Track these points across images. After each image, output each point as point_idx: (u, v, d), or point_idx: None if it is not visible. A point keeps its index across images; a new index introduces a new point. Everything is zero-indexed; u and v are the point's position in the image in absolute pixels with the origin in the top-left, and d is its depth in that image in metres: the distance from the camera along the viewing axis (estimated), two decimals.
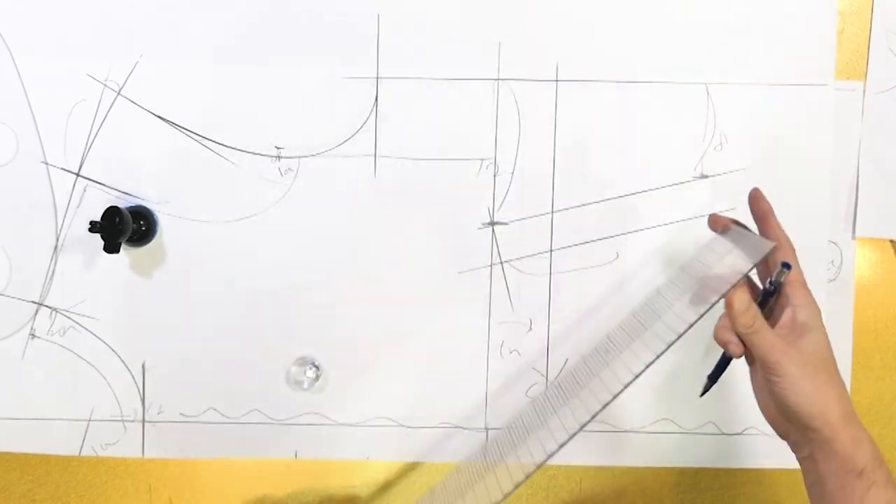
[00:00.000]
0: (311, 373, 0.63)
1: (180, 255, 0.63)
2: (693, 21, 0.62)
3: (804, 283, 0.49)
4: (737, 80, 0.63)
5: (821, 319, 0.48)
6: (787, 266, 0.48)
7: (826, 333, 0.48)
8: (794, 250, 0.50)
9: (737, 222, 0.53)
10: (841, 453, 0.46)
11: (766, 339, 0.47)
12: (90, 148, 0.63)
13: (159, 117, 0.63)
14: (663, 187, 0.63)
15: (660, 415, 0.64)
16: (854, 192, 0.63)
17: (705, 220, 0.62)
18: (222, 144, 0.63)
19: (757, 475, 0.65)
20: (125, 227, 0.58)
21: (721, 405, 0.64)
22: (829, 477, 0.46)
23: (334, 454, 0.64)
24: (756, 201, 0.52)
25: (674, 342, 0.48)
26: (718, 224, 0.54)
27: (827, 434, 0.46)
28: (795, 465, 0.49)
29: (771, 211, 0.52)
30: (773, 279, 0.49)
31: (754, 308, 0.47)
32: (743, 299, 0.47)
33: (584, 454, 0.64)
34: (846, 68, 0.63)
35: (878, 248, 0.64)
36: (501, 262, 0.63)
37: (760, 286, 0.51)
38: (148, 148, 0.63)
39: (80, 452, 0.64)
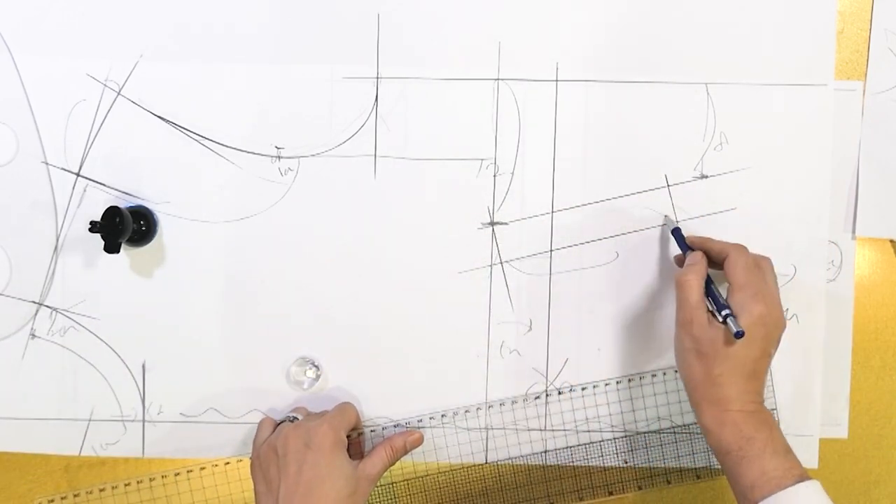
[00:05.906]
0: (311, 373, 0.63)
1: (180, 255, 0.63)
2: (693, 21, 0.62)
3: (741, 287, 0.54)
4: (737, 80, 0.62)
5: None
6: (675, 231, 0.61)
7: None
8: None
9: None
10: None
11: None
12: (90, 148, 0.63)
13: (159, 117, 0.63)
14: (663, 187, 0.63)
15: (660, 415, 0.64)
16: (854, 192, 0.63)
17: (705, 220, 0.62)
18: (222, 144, 0.63)
19: None
20: (125, 227, 0.58)
21: None
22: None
23: None
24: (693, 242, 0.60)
25: None
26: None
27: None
28: None
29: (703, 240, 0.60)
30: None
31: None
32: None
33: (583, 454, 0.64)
34: (846, 68, 0.63)
35: (878, 248, 0.64)
36: (501, 262, 0.63)
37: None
38: (148, 148, 0.63)
39: (80, 452, 0.64)
